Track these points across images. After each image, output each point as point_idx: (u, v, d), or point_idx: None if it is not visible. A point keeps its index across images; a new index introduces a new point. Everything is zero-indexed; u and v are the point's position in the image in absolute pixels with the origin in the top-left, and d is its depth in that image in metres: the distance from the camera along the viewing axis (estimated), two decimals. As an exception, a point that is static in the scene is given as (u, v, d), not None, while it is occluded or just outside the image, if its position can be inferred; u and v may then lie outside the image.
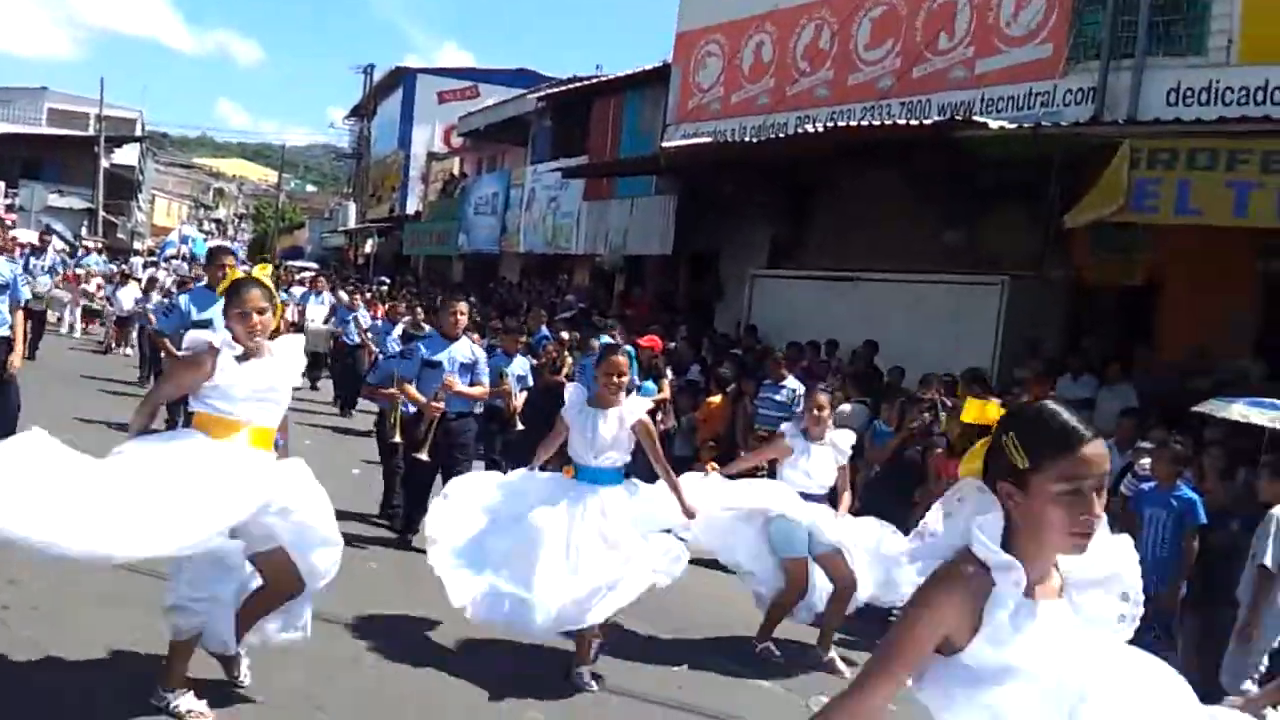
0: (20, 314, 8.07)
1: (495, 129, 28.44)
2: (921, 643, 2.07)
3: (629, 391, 5.75)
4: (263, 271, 4.74)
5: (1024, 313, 11.86)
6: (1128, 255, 11.46)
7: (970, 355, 11.03)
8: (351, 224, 45.87)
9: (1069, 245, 11.91)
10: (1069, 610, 2.14)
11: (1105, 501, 2.06)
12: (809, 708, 5.72)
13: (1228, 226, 9.30)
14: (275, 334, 4.61)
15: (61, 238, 31.12)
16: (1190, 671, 6.42)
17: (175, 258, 30.75)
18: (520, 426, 9.19)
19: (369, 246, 39.81)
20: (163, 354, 11.78)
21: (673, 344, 13.16)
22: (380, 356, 12.65)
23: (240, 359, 4.33)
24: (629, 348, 5.85)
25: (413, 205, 36.87)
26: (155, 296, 16.76)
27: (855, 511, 6.78)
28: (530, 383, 9.72)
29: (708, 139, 16.48)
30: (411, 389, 7.79)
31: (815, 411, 6.53)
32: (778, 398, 9.92)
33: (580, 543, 5.26)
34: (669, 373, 11.12)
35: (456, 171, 33.71)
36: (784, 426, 6.95)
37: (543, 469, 5.92)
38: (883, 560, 6.19)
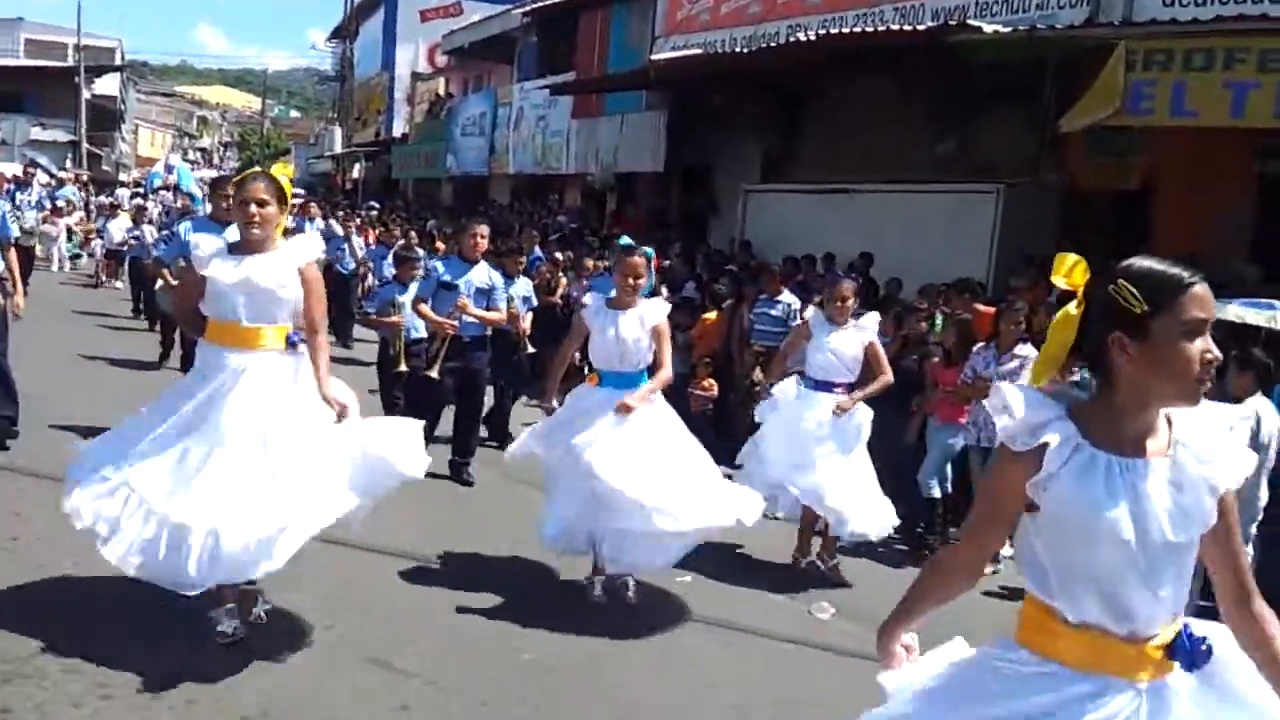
0: (13, 252, 7.85)
1: (480, 47, 27.96)
2: (998, 506, 2.24)
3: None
4: (282, 170, 4.64)
5: (1019, 220, 11.80)
6: (1123, 159, 11.37)
7: (966, 264, 11.00)
8: (338, 149, 45.33)
9: (1064, 150, 11.82)
10: (1168, 469, 2.14)
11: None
12: (810, 614, 5.82)
13: (1224, 127, 9.21)
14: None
15: (46, 171, 30.75)
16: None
17: (163, 189, 30.45)
18: (531, 350, 9.12)
19: (356, 171, 39.42)
20: (157, 284, 11.77)
21: (667, 261, 13.09)
22: (377, 284, 12.56)
23: (235, 252, 4.39)
24: (648, 249, 5.70)
25: (399, 128, 36.38)
26: (147, 229, 16.56)
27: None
28: (535, 303, 9.60)
29: (698, 51, 16.22)
30: (426, 308, 7.70)
31: (840, 303, 6.40)
32: (774, 313, 9.89)
33: (636, 453, 5.23)
34: (664, 290, 11.08)
35: (442, 92, 33.21)
36: (808, 311, 6.81)
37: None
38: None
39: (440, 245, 13.94)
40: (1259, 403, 6.16)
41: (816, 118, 15.59)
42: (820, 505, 6.27)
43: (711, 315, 10.78)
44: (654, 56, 16.70)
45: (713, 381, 10.07)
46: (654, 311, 5.56)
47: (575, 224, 19.65)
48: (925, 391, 7.80)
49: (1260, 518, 6.09)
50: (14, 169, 25.83)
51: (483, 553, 6.24)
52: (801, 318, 6.76)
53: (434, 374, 7.65)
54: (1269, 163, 10.39)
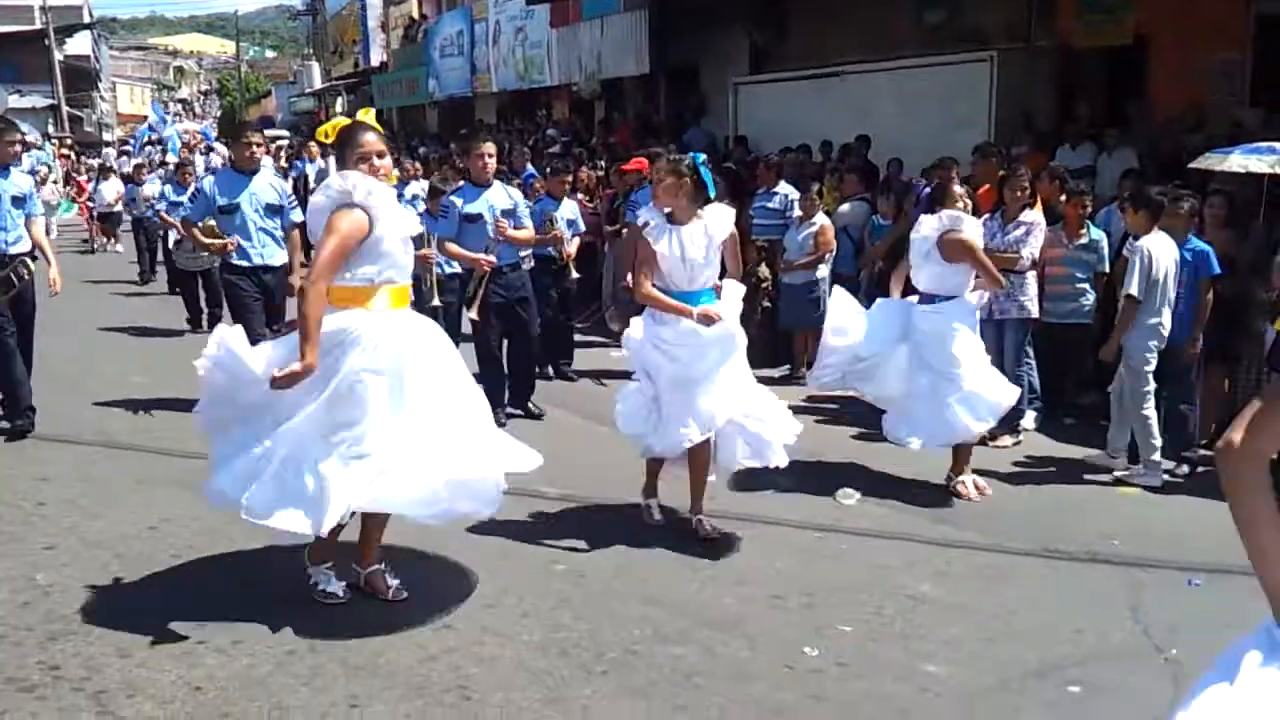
0: (40, 225, 7.44)
1: (450, -37, 27.38)
2: None
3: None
4: (367, 115, 4.40)
5: (1015, 85, 11.60)
6: (1114, 14, 11.12)
7: (964, 135, 10.82)
8: (318, 85, 44.71)
9: (1054, 11, 11.57)
10: None
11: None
12: (837, 501, 5.87)
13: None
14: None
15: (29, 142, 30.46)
16: (1209, 421, 6.63)
17: (151, 144, 30.16)
18: (576, 275, 8.72)
19: (339, 106, 38.87)
20: (174, 242, 11.36)
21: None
22: None
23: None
24: (696, 154, 5.20)
25: (377, 57, 35.78)
26: (147, 189, 15.96)
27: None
28: (582, 227, 9.02)
29: (672, -56, 15.83)
30: (456, 247, 7.26)
31: (955, 204, 6.03)
32: (771, 205, 9.77)
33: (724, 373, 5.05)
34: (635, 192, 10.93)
35: (416, 14, 32.59)
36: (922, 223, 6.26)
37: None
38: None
39: (412, 168, 13.74)
40: (1153, 240, 6.35)
41: (801, 3, 15.25)
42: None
43: (711, 213, 10.66)
44: (629, -46, 16.30)
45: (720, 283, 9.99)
46: (720, 221, 5.07)
47: (566, 137, 19.38)
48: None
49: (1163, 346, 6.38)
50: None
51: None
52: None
53: (473, 314, 7.32)
54: (1264, 4, 10.14)
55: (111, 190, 19.55)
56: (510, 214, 7.34)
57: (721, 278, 5.22)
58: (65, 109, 40.24)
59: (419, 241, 7.74)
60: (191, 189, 8.56)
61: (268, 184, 7.61)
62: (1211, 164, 7.71)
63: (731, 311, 5.12)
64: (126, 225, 18.80)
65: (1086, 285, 7.54)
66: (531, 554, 5.01)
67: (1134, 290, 6.27)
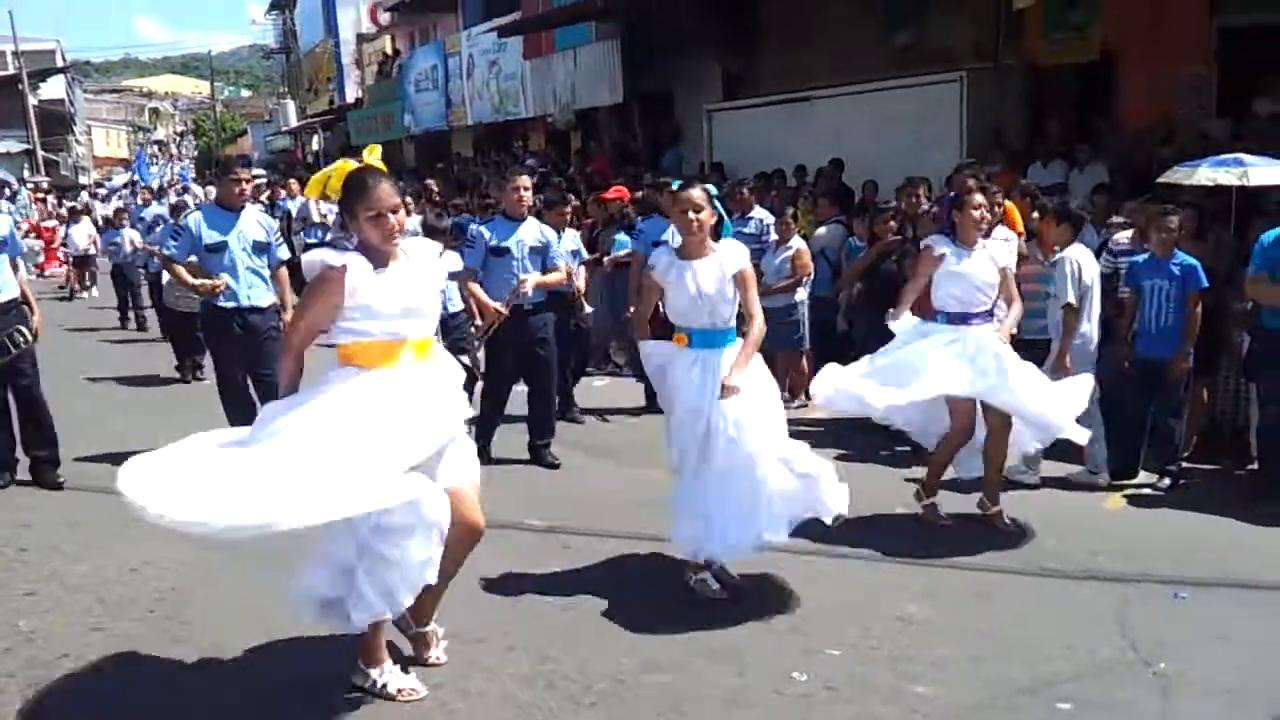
0: (21, 273, 7.00)
1: (422, -2, 27.48)
2: None
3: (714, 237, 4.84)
4: (373, 154, 3.93)
5: (985, 105, 11.73)
6: (1080, 31, 11.26)
7: (936, 156, 10.94)
8: (293, 123, 44.77)
9: (1021, 29, 11.70)
10: None
11: None
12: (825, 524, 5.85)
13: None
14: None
15: (6, 184, 30.33)
16: (1190, 433, 6.67)
17: (128, 186, 30.05)
18: (589, 309, 8.32)
19: (315, 143, 38.95)
20: (154, 283, 11.01)
21: (639, 193, 12.98)
22: None
23: (378, 267, 3.66)
24: (710, 185, 4.96)
25: (352, 93, 35.88)
26: (127, 233, 15.31)
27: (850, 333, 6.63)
28: (585, 256, 8.66)
29: (642, -27, 15.96)
30: (478, 288, 6.92)
31: (973, 212, 5.73)
32: (747, 230, 9.78)
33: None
34: (639, 221, 10.96)
35: (389, 50, 32.71)
36: (931, 238, 6.00)
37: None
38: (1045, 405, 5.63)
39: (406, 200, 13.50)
40: (1077, 250, 6.64)
41: (771, 29, 15.38)
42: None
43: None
44: (599, -16, 16.41)
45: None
46: (734, 256, 4.78)
47: (544, 168, 19.44)
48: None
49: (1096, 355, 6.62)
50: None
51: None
52: (927, 245, 5.92)
53: (479, 353, 7.09)
54: (1228, 16, 10.28)
55: (83, 234, 19.21)
56: (541, 252, 7.03)
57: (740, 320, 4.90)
58: (41, 153, 40.12)
59: None
60: (175, 227, 8.18)
61: (255, 221, 7.28)
62: (1179, 178, 7.82)
63: (755, 376, 4.76)
64: (104, 269, 18.64)
65: (1061, 301, 7.58)
66: (517, 587, 4.99)
67: (1071, 299, 6.48)
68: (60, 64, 50.49)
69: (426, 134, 27.58)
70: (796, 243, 9.07)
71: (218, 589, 5.00)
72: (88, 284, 19.78)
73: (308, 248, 14.07)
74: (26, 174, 36.74)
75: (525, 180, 7.15)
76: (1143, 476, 6.66)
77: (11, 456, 6.88)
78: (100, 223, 20.22)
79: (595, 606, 4.75)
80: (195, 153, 76.85)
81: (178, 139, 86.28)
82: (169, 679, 4.12)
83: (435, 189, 16.10)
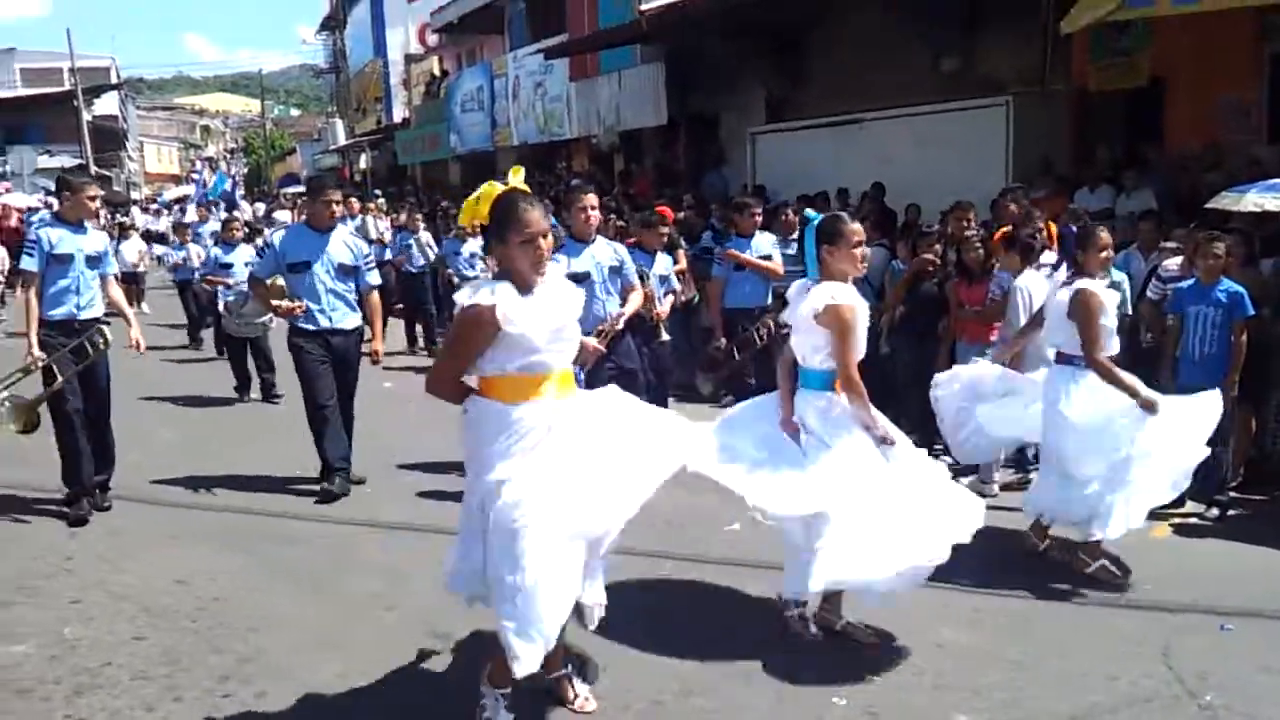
0: (116, 286, 6.94)
1: (469, 19, 27.73)
2: None
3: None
4: (517, 176, 3.81)
5: (1031, 130, 11.65)
6: (1129, 57, 11.16)
7: (982, 180, 10.87)
8: (342, 141, 45.31)
9: (1069, 55, 11.63)
10: None
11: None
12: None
13: (1229, 12, 9.01)
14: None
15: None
16: (1237, 464, 6.56)
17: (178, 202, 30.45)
18: (667, 336, 7.78)
19: (364, 162, 39.38)
20: (224, 305, 10.28)
21: (681, 214, 13.02)
22: (457, 279, 11.74)
23: (525, 294, 3.51)
24: (810, 211, 4.74)
25: (399, 113, 36.29)
26: (193, 249, 15.09)
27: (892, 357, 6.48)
28: (676, 285, 8.20)
29: (687, -3, 16.01)
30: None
31: (1099, 250, 5.45)
32: (790, 252, 9.80)
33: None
34: (682, 242, 11.00)
35: (437, 71, 33.06)
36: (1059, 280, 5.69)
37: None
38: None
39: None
40: (1027, 278, 6.72)
41: (816, 52, 15.39)
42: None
43: (731, 263, 10.71)
44: (643, 7, 16.49)
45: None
46: (818, 295, 4.46)
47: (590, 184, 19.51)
48: (950, 313, 7.72)
49: None
50: (28, 200, 26.01)
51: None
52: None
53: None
54: (1277, 43, 10.17)
55: (133, 250, 18.93)
56: (617, 272, 6.64)
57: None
58: (93, 169, 40.86)
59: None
60: (260, 243, 8.02)
61: (343, 243, 7.02)
62: (1227, 204, 7.73)
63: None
64: (155, 284, 18.82)
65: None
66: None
67: (1022, 323, 6.49)
68: (114, 81, 51.47)
69: (472, 154, 27.80)
70: (779, 258, 9.10)
71: (259, 601, 5.06)
72: (136, 300, 19.90)
73: (397, 265, 14.05)
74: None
75: (592, 198, 6.65)
76: (1190, 506, 6.56)
77: (89, 477, 6.61)
78: (151, 238, 20.44)
79: (634, 628, 4.73)
80: (245, 170, 77.97)
81: (228, 156, 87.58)
82: (208, 689, 4.16)
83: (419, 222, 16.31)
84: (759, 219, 8.82)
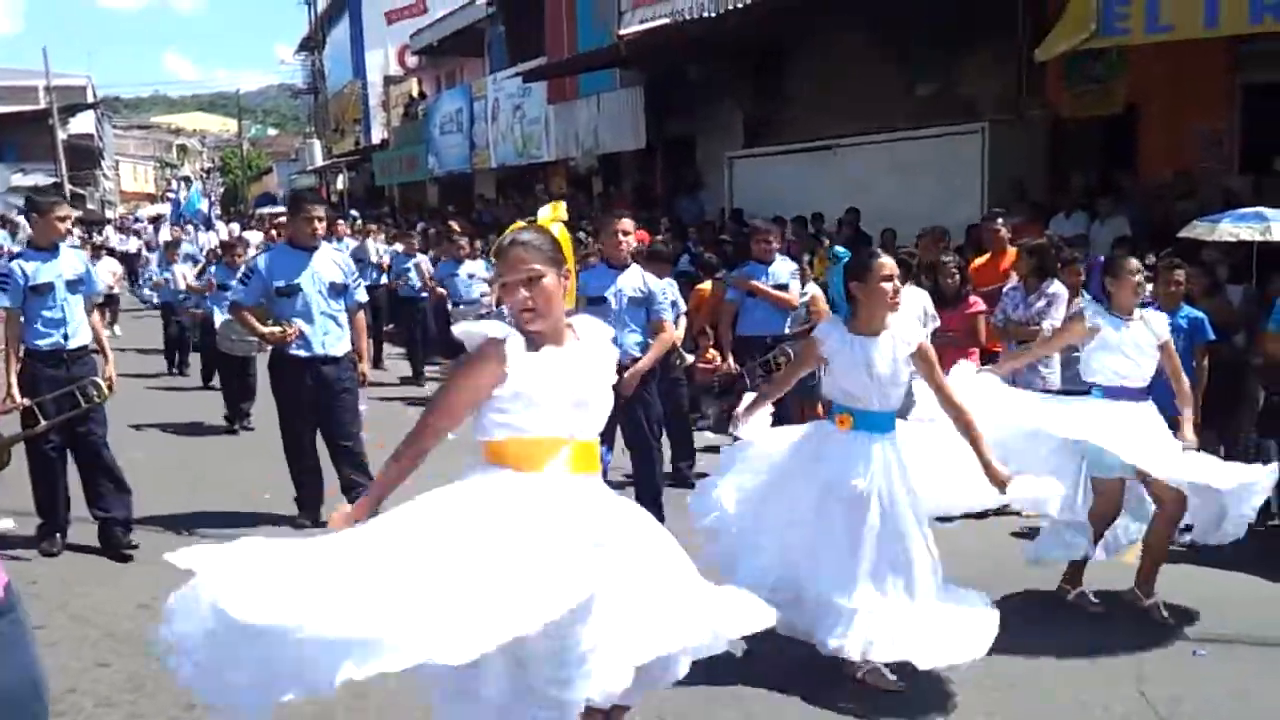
0: (97, 313, 6.59)
1: (449, 42, 27.83)
2: None
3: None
4: (557, 214, 3.25)
5: (1006, 156, 11.73)
6: (1103, 84, 11.30)
7: (957, 206, 10.96)
8: (319, 162, 45.17)
9: (1044, 82, 11.75)
10: None
11: None
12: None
13: (1203, 42, 9.13)
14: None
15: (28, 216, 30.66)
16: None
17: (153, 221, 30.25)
18: (689, 358, 7.73)
19: (340, 182, 39.31)
20: (203, 324, 10.18)
21: (658, 236, 13.03)
22: (452, 304, 11.71)
23: (530, 348, 3.02)
24: (840, 249, 4.61)
25: (378, 134, 36.28)
26: (178, 270, 13.98)
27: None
28: (683, 307, 7.77)
29: (665, 21, 16.10)
30: None
31: (1130, 277, 5.20)
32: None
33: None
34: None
35: (416, 93, 33.09)
36: (1082, 304, 5.62)
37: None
38: (1213, 494, 5.03)
39: (463, 245, 12.46)
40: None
41: (793, 78, 15.50)
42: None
43: (705, 285, 10.72)
44: (622, 31, 16.57)
45: (715, 353, 10.00)
46: (910, 334, 4.38)
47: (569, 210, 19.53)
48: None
49: None
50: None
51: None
52: (1077, 313, 5.49)
53: None
54: (1249, 72, 10.30)
55: (106, 271, 18.67)
56: (641, 303, 6.35)
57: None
58: (68, 187, 40.62)
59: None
60: (243, 269, 7.35)
61: (330, 260, 6.69)
62: (1200, 233, 7.81)
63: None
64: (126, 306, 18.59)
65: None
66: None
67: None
68: (90, 99, 51.24)
69: (450, 175, 27.83)
70: (811, 288, 9.06)
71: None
72: (109, 323, 19.56)
73: (392, 289, 13.59)
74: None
75: (627, 223, 6.42)
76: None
77: (65, 519, 6.32)
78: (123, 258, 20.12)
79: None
80: (221, 189, 77.74)
81: (204, 175, 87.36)
82: (173, 716, 4.09)
83: (457, 228, 16.15)
84: (775, 245, 8.42)
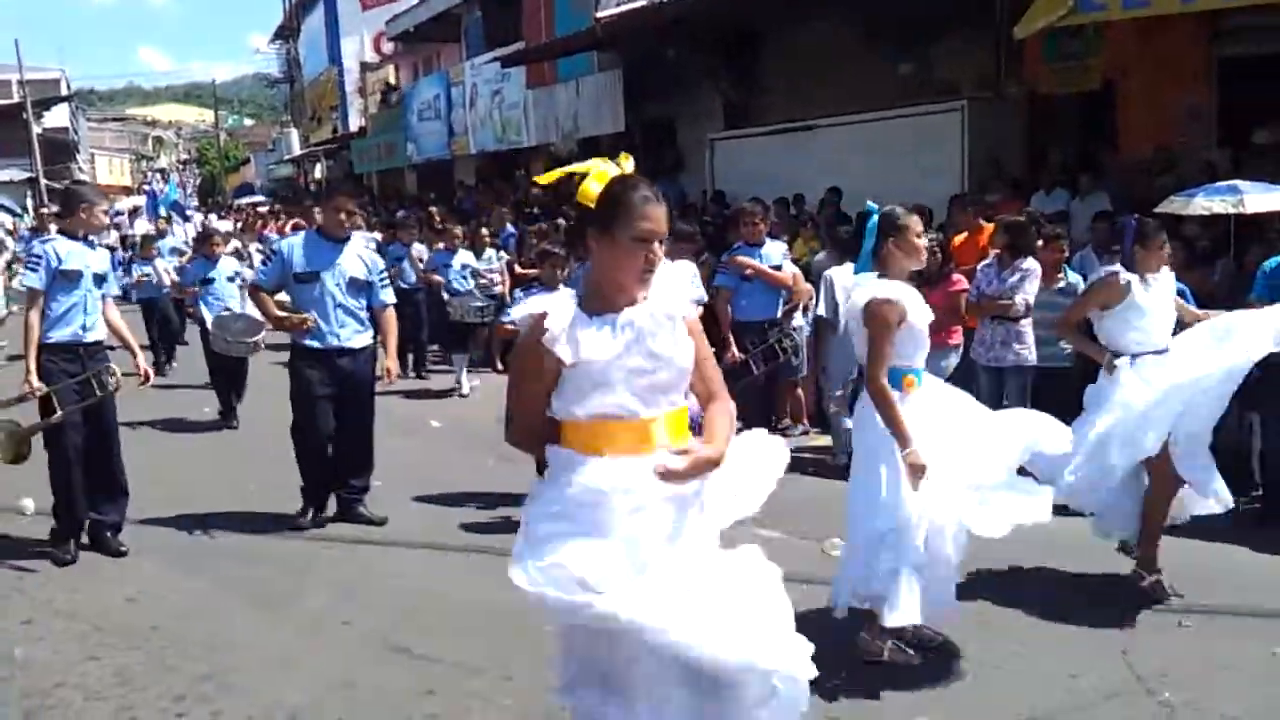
0: (114, 309, 6.31)
1: (426, 28, 27.60)
2: None
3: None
4: (627, 162, 3.04)
5: (986, 134, 11.74)
6: (1081, 60, 11.30)
7: (938, 184, 10.95)
8: (296, 151, 45.01)
9: (1022, 59, 11.75)
10: None
11: None
12: (824, 552, 5.80)
13: (1179, 17, 9.15)
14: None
15: (10, 212, 30.45)
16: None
17: (129, 214, 30.02)
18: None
19: (319, 171, 39.14)
20: (214, 321, 9.35)
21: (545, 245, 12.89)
22: (447, 294, 11.55)
23: (604, 314, 2.80)
24: (871, 204, 4.58)
25: (355, 122, 36.06)
26: (159, 264, 13.39)
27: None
28: (704, 298, 7.26)
29: (642, 3, 16.03)
30: None
31: (1159, 247, 5.24)
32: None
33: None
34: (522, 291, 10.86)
35: (393, 80, 32.90)
36: (1116, 267, 5.45)
37: None
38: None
39: (457, 234, 12.38)
40: (839, 271, 7.74)
41: (773, 58, 15.46)
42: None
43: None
44: (599, 14, 16.49)
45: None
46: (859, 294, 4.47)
47: (547, 195, 19.49)
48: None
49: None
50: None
51: (490, 536, 6.23)
52: (1112, 274, 5.35)
53: None
54: (1226, 46, 10.32)
55: None
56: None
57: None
58: (44, 182, 40.27)
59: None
60: (268, 249, 7.16)
61: (356, 256, 6.56)
62: (1175, 208, 7.87)
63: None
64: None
65: (1065, 329, 7.60)
66: (517, 617, 4.94)
67: (822, 311, 7.87)
68: (65, 93, 50.76)
69: (428, 162, 27.70)
70: (790, 268, 9.04)
71: (211, 619, 4.98)
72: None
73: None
74: (29, 203, 36.88)
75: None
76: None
77: (81, 523, 6.05)
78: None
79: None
80: (198, 180, 77.22)
81: (180, 167, 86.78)
82: (163, 709, 4.08)
83: (437, 215, 16.08)
84: (763, 227, 8.33)
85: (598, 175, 2.94)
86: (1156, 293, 5.24)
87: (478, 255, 12.29)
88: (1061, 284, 7.60)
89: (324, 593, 5.33)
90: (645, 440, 2.79)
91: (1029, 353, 7.34)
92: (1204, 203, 7.69)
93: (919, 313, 4.34)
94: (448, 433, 9.46)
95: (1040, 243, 7.68)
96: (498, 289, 12.17)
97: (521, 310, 2.87)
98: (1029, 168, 11.69)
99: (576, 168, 3.04)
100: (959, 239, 8.81)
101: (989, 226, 8.27)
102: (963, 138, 11.73)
